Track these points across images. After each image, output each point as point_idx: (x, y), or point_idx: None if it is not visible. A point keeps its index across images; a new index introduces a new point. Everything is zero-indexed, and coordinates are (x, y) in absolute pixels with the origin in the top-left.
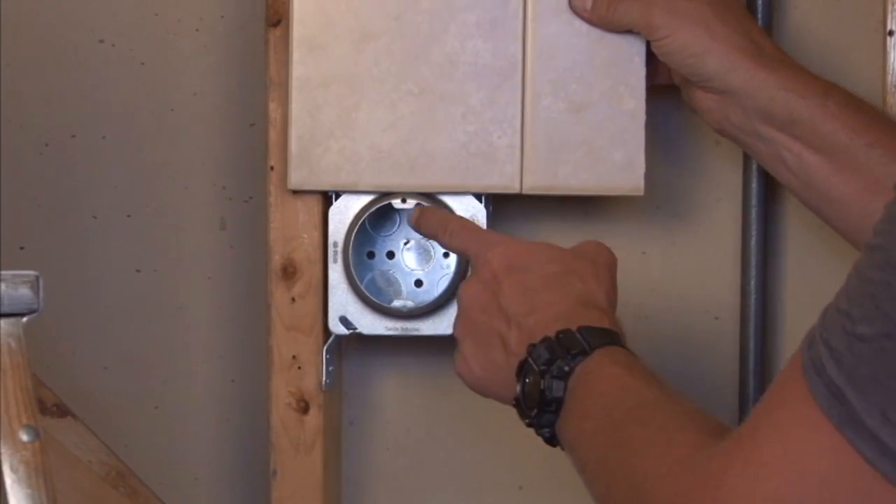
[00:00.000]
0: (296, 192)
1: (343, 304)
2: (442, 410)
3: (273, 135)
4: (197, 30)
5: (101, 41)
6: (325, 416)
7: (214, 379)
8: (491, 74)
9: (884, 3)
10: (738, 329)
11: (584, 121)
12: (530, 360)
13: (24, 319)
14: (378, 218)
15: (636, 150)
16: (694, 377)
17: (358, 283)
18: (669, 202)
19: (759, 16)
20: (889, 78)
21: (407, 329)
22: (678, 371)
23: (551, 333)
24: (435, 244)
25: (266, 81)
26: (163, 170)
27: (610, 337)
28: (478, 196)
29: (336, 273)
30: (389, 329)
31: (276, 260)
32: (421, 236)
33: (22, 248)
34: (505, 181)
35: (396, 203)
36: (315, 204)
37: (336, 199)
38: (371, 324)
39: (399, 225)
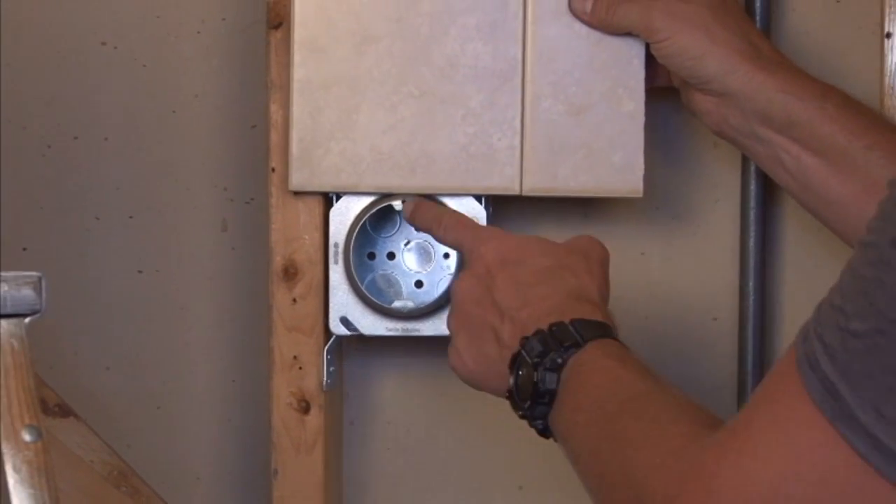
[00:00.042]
0: (297, 194)
1: (344, 304)
2: (442, 410)
3: (274, 136)
4: (198, 32)
5: (104, 43)
6: (325, 416)
7: (216, 379)
8: (491, 77)
9: (881, 6)
10: (737, 330)
11: (584, 123)
12: (523, 352)
13: (27, 320)
14: (379, 219)
15: (635, 152)
16: (692, 377)
17: (359, 283)
18: (668, 203)
19: (758, 18)
20: (887, 80)
21: (407, 330)
22: (677, 371)
23: (544, 326)
24: (435, 245)
25: (267, 83)
26: (164, 171)
27: (602, 330)
28: (478, 197)
29: (337, 274)
30: (390, 330)
31: (278, 261)
32: (421, 237)
33: (25, 249)
34: (505, 183)
35: (397, 204)
36: (316, 205)
37: (337, 201)
38: (372, 324)
39: (400, 226)
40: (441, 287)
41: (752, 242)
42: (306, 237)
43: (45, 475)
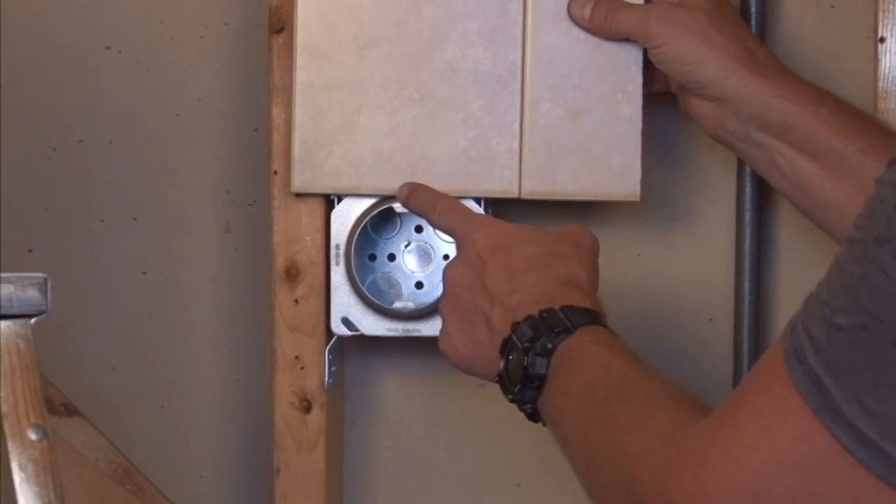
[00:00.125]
0: (299, 196)
1: (345, 305)
2: (442, 410)
3: (277, 139)
4: (201, 37)
5: (108, 48)
6: (327, 415)
7: (219, 378)
8: (491, 81)
9: (875, 11)
10: (732, 330)
11: (582, 127)
12: (514, 337)
13: (33, 321)
14: (379, 221)
15: (633, 156)
16: (688, 377)
17: (360, 284)
18: (665, 206)
19: (753, 23)
20: (880, 84)
21: (408, 330)
22: (673, 371)
23: (535, 312)
24: (435, 247)
25: (270, 87)
26: (168, 174)
27: (592, 316)
28: (477, 200)
29: (338, 275)
30: (390, 330)
31: (280, 262)
32: (422, 239)
33: (30, 250)
34: (504, 186)
35: (397, 206)
36: (318, 207)
37: (338, 203)
38: (372, 325)
39: (400, 228)
40: (441, 288)
41: (747, 244)
42: (308, 239)
43: (50, 473)
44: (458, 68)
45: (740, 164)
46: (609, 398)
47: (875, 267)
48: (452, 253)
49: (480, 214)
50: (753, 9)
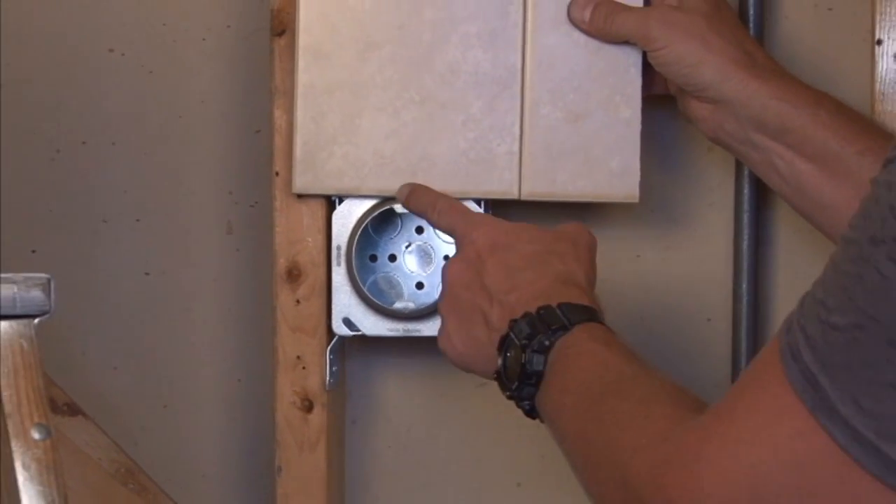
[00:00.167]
0: (300, 197)
1: (346, 305)
2: (442, 409)
3: (278, 141)
4: (204, 39)
5: (111, 50)
6: (328, 414)
7: (221, 378)
8: (491, 83)
9: (872, 13)
10: (731, 331)
11: (582, 129)
12: (512, 334)
13: (36, 321)
14: (380, 222)
15: (632, 158)
16: (687, 377)
17: (361, 285)
18: (664, 207)
19: (751, 25)
20: (877, 86)
21: (408, 330)
22: (671, 371)
23: (532, 309)
24: (435, 248)
25: (271, 89)
26: (171, 175)
27: (589, 314)
28: (477, 201)
29: (339, 276)
30: (391, 330)
31: (281, 263)
32: (422, 240)
33: (34, 251)
34: (504, 187)
35: (398, 207)
36: (319, 208)
37: (339, 204)
38: (373, 325)
39: (401, 229)
40: (441, 288)
41: (745, 245)
42: (309, 239)
43: (53, 472)
44: (459, 71)
45: (738, 166)
46: (606, 395)
47: (870, 267)
48: (452, 253)
49: (480, 213)
50: (752, 11)
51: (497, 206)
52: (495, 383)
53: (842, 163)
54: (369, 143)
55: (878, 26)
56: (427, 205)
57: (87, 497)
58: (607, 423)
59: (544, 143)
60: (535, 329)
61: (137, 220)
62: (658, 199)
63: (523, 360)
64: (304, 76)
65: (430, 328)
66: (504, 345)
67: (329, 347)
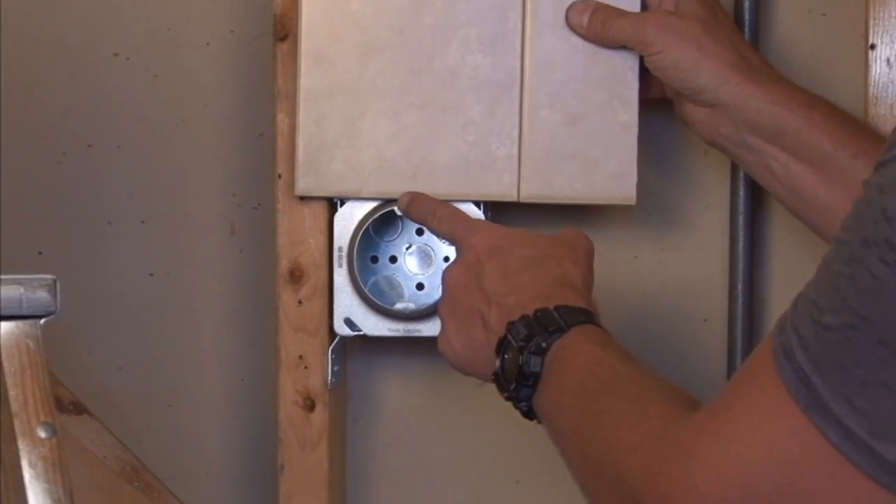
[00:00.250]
0: (303, 199)
1: (348, 306)
2: (442, 408)
3: (281, 144)
4: (207, 44)
5: (116, 55)
6: (330, 413)
7: (224, 378)
8: (490, 87)
9: (866, 18)
10: (726, 330)
11: (580, 132)
12: (509, 336)
13: (42, 321)
14: (381, 224)
15: (629, 161)
16: (683, 376)
17: (362, 286)
18: (660, 209)
19: (747, 30)
20: (871, 90)
21: (409, 330)
22: (668, 370)
23: (530, 312)
24: (436, 249)
25: (274, 93)
26: (175, 177)
27: (586, 316)
28: (477, 203)
29: (341, 277)
30: (392, 330)
31: (284, 264)
32: (422, 241)
33: (40, 252)
34: (503, 189)
35: (398, 209)
36: (321, 210)
37: (341, 206)
38: (374, 325)
39: (401, 230)
40: (441, 289)
41: (740, 246)
42: (311, 241)
43: (59, 471)
44: (459, 75)
45: (734, 169)
46: (602, 394)
47: (862, 268)
48: (452, 255)
49: (479, 220)
50: (747, 16)
51: (496, 208)
52: (493, 383)
53: (836, 165)
54: (370, 146)
55: (871, 31)
56: (427, 212)
57: (93, 495)
58: (603, 421)
59: (543, 145)
60: (533, 331)
61: (142, 222)
62: (655, 202)
63: (521, 362)
64: (306, 80)
65: (430, 328)
66: (502, 347)
67: (331, 347)
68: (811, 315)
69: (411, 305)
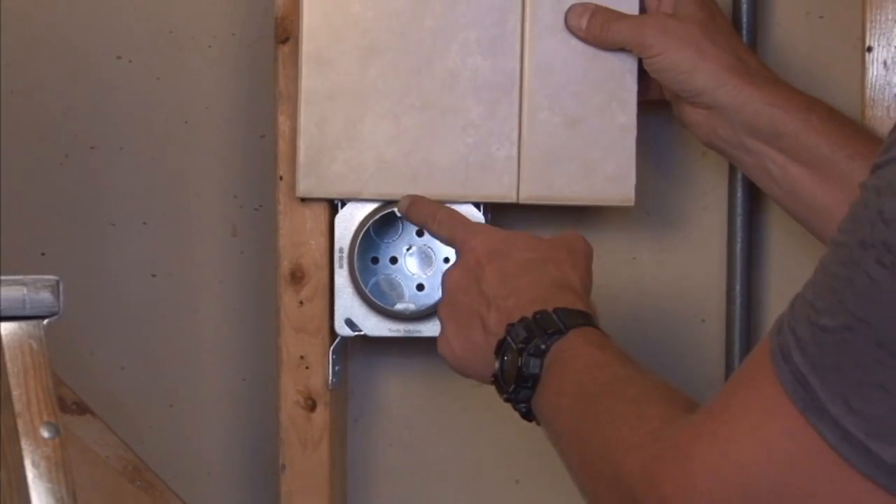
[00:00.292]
0: (304, 201)
1: (348, 307)
2: (442, 408)
3: (282, 145)
4: (209, 46)
5: (119, 57)
6: (331, 413)
7: (226, 378)
8: (490, 89)
9: (862, 21)
10: (724, 331)
11: (579, 134)
12: (509, 338)
13: (45, 322)
14: (382, 225)
15: (627, 163)
16: (681, 377)
17: (363, 287)
18: (659, 210)
19: (744, 33)
20: (868, 92)
21: (409, 331)
22: (666, 370)
23: (529, 314)
24: (436, 250)
25: (275, 95)
26: (177, 179)
27: (584, 318)
28: (477, 205)
29: (342, 277)
30: (392, 331)
31: (285, 265)
32: (423, 242)
33: (43, 253)
34: (503, 191)
35: (399, 213)
36: (322, 212)
37: (342, 207)
38: (375, 326)
39: (402, 232)
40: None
41: (738, 248)
42: (312, 242)
43: (62, 470)
44: (459, 77)
45: (732, 171)
46: (600, 395)
47: (860, 270)
48: (452, 256)
49: (478, 223)
50: (745, 19)
51: (496, 210)
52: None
53: (833, 167)
54: (371, 147)
55: (868, 34)
56: (427, 216)
57: (96, 494)
58: (602, 422)
59: (542, 147)
60: (532, 333)
61: (144, 224)
62: (653, 203)
63: (520, 364)
64: (307, 82)
65: (430, 329)
66: (501, 348)
67: (332, 348)
68: (808, 316)
69: (411, 306)
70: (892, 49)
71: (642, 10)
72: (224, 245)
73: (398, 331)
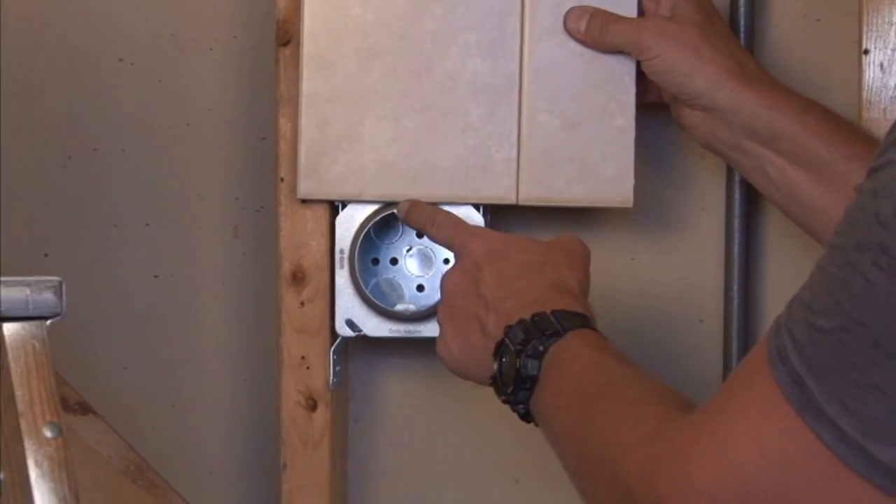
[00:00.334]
0: (305, 202)
1: (349, 307)
2: (442, 408)
3: (283, 147)
4: (211, 49)
5: (121, 60)
6: (332, 413)
7: (228, 378)
8: (490, 92)
9: (859, 24)
10: (722, 331)
11: (578, 136)
12: (507, 340)
13: (48, 322)
14: (382, 226)
15: (626, 165)
16: (679, 377)
17: (363, 287)
18: (657, 212)
19: (742, 35)
20: (864, 94)
21: (409, 331)
22: (664, 370)
23: (527, 316)
24: (436, 251)
25: (276, 97)
26: (179, 181)
27: (582, 320)
28: (476, 206)
29: (342, 278)
30: (393, 331)
31: (286, 266)
32: (423, 244)
33: (46, 255)
34: (502, 192)
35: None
36: (323, 213)
37: (342, 209)
38: (375, 326)
39: (402, 233)
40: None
41: (736, 249)
42: (313, 243)
43: (65, 470)
44: (459, 79)
45: (730, 172)
46: (598, 396)
47: (856, 272)
48: (452, 257)
49: (477, 226)
50: (742, 21)
51: (495, 211)
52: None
53: (830, 168)
54: (371, 149)
55: (864, 36)
56: (426, 219)
57: (98, 493)
58: (600, 423)
59: (541, 149)
60: (530, 335)
61: (147, 225)
62: (652, 204)
63: (518, 365)
64: (308, 85)
65: (430, 329)
66: (499, 350)
67: (332, 348)
68: (805, 318)
69: (412, 307)
70: (889, 51)
71: (640, 13)
72: (226, 246)
73: (398, 331)
